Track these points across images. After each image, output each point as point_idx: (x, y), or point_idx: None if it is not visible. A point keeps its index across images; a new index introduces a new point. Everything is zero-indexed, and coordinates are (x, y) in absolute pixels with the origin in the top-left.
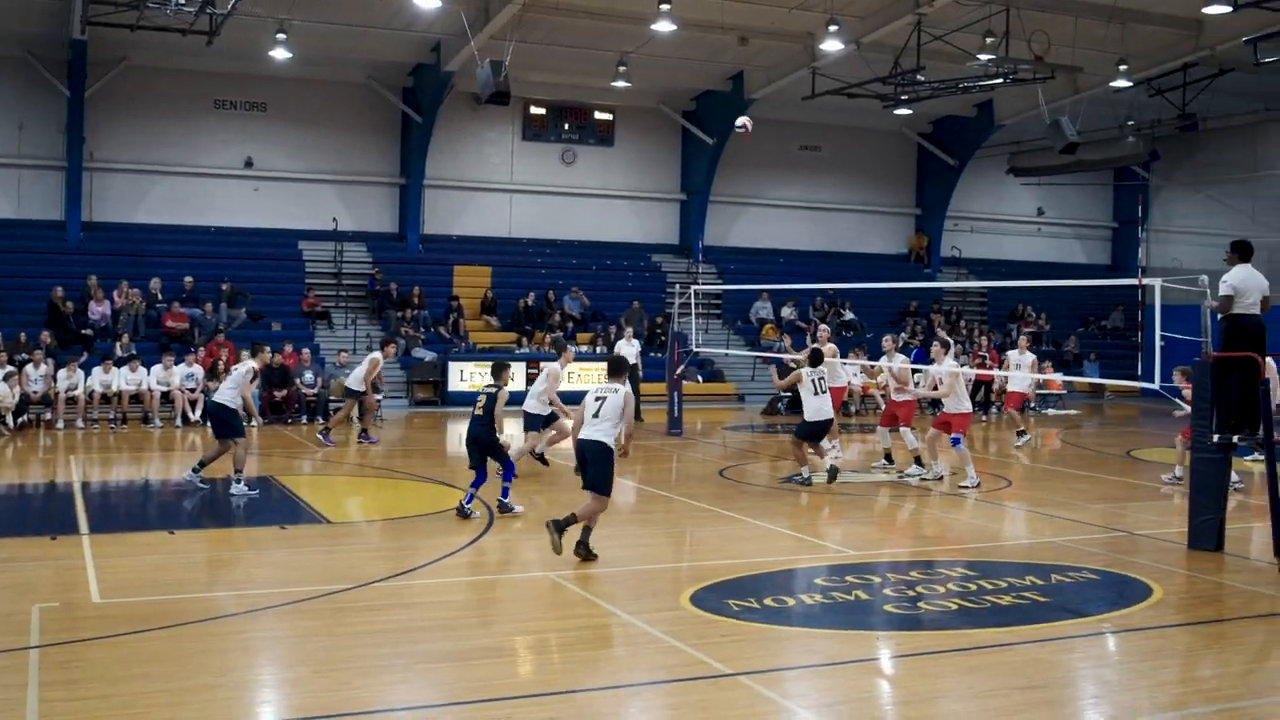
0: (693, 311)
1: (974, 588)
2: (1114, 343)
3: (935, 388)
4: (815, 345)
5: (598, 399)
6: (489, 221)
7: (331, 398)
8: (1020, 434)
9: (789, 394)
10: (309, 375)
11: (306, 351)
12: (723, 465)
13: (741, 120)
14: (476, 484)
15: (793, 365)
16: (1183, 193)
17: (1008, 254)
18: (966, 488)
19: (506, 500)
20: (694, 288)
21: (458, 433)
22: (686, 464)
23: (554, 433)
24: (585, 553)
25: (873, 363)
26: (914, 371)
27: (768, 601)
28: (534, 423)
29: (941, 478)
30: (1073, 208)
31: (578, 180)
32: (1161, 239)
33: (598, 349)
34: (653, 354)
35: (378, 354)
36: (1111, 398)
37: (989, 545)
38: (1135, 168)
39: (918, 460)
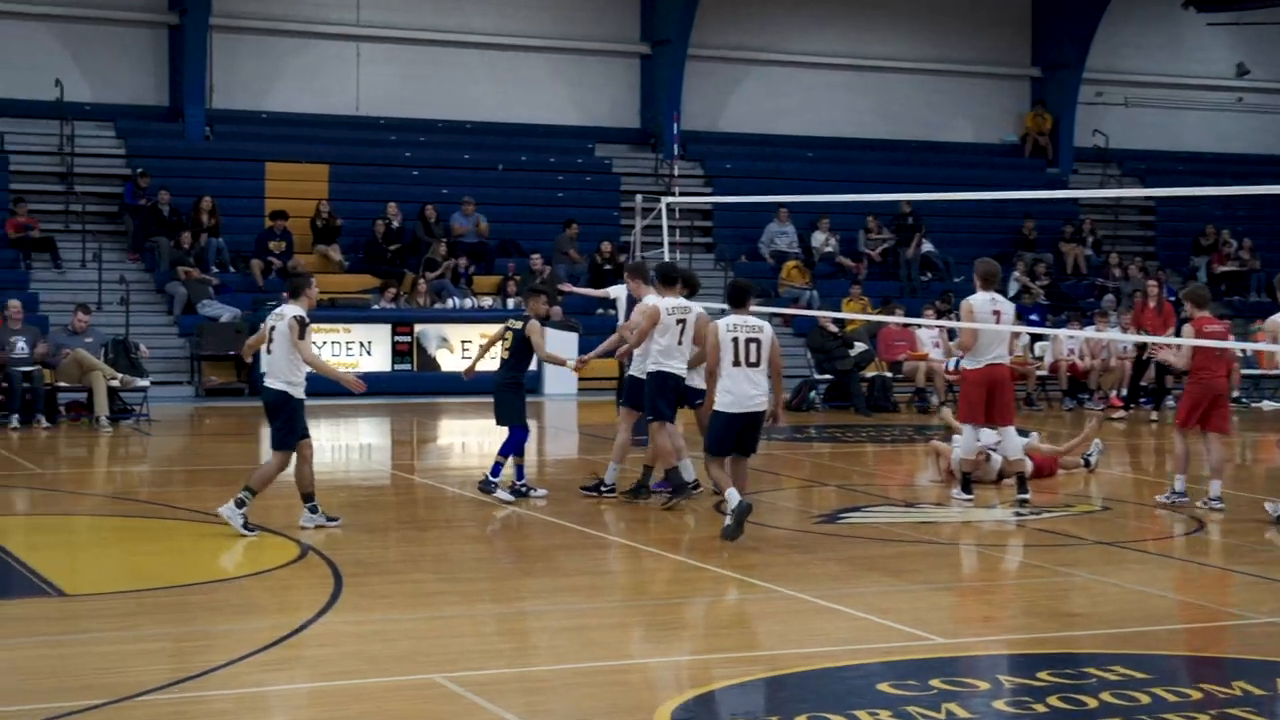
0: (664, 240)
1: (1144, 699)
2: None
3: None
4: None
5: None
6: (325, 90)
7: (61, 382)
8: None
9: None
10: (21, 344)
11: (16, 304)
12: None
13: None
14: (506, 449)
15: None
16: None
17: (1188, 143)
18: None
19: (495, 480)
20: (666, 200)
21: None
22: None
23: None
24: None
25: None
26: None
27: None
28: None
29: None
30: None
31: (468, 21)
32: None
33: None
34: (601, 310)
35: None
36: None
37: (1164, 628)
38: None
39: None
